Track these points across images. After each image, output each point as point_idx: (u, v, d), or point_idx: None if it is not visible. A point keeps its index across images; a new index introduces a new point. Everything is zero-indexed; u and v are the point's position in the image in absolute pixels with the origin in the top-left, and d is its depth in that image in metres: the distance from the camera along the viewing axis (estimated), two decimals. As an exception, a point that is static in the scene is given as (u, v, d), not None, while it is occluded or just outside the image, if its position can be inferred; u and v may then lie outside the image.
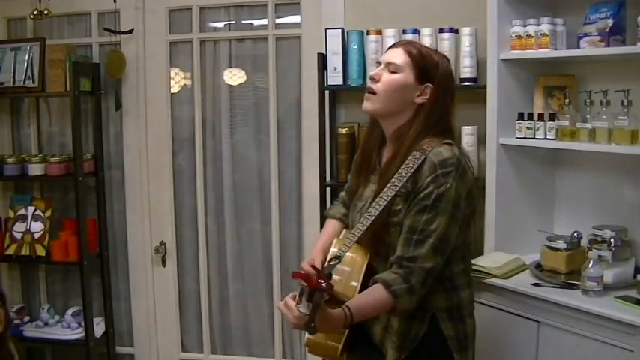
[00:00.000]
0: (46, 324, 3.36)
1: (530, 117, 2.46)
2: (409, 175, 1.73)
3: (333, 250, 1.89)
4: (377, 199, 1.77)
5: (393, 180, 1.75)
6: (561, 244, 2.37)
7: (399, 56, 1.81)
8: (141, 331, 3.49)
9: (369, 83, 1.84)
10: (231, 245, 3.39)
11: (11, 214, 3.28)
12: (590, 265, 2.16)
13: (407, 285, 1.68)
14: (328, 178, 2.91)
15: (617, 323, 1.98)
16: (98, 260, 3.33)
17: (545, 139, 2.40)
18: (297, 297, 1.61)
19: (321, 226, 2.84)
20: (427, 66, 1.80)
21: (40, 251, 3.20)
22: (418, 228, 1.71)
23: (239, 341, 3.46)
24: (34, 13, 3.01)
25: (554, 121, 2.39)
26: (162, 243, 3.39)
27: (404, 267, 1.70)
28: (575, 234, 2.43)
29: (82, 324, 3.24)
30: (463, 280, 1.84)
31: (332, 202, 2.93)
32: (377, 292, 1.69)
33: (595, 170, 2.52)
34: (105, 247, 3.36)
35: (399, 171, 1.75)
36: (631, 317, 1.96)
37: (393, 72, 1.80)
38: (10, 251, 3.22)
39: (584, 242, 2.41)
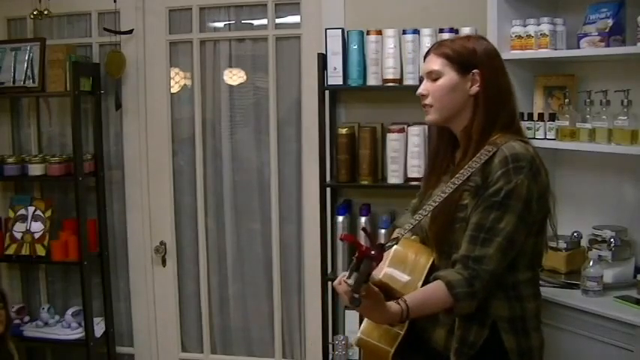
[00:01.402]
0: (46, 324, 3.35)
1: (530, 117, 2.46)
2: (479, 165, 1.66)
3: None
4: (444, 187, 1.70)
5: (462, 171, 1.68)
6: (561, 244, 2.37)
7: (434, 62, 1.79)
8: (141, 331, 3.49)
9: (422, 101, 1.82)
10: (231, 245, 3.38)
11: (11, 214, 3.27)
12: (590, 265, 2.16)
13: (470, 289, 1.61)
14: (328, 178, 2.90)
15: (617, 323, 1.98)
16: (98, 260, 3.32)
17: (545, 139, 2.40)
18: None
19: (322, 226, 2.88)
20: (464, 58, 1.76)
21: (40, 251, 3.19)
22: (486, 226, 1.64)
23: (239, 341, 3.46)
24: (34, 13, 3.01)
25: (554, 121, 2.39)
26: (162, 243, 3.39)
27: (469, 268, 1.63)
28: (575, 234, 2.43)
29: (82, 324, 3.24)
30: (530, 291, 1.74)
31: (332, 203, 2.96)
32: (438, 291, 1.62)
33: (595, 170, 2.52)
34: (105, 247, 3.35)
35: (470, 162, 1.69)
36: (631, 317, 1.96)
37: (436, 79, 1.77)
38: (10, 251, 3.21)
39: (584, 242, 2.42)
